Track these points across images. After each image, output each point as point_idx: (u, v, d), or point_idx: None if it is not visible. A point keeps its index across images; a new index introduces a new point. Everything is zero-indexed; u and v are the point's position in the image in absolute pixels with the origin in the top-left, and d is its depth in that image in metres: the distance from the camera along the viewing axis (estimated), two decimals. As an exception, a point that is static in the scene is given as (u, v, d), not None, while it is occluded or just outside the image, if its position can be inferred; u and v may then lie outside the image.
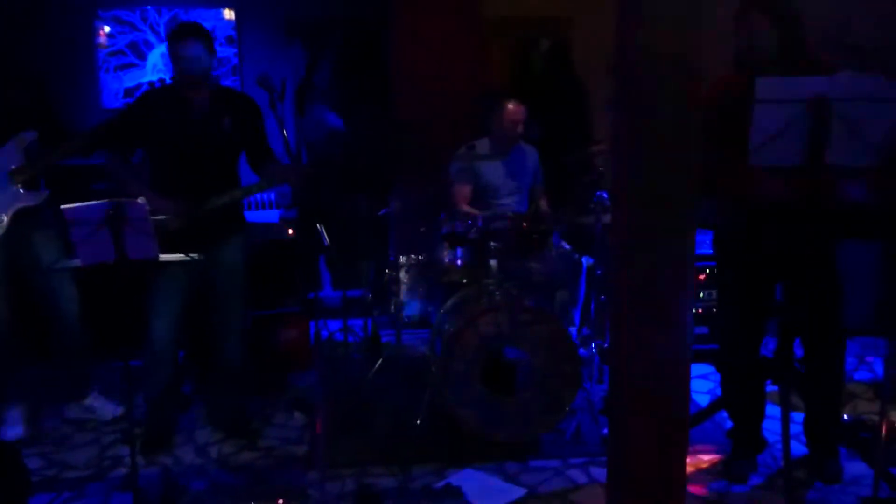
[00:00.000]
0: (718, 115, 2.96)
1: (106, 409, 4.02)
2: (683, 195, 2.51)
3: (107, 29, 5.81)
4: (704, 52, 2.41)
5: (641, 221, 2.52)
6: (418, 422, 3.79)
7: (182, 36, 3.42)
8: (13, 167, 3.63)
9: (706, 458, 3.52)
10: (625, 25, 2.49)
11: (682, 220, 2.53)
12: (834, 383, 3.30)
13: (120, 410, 4.01)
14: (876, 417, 3.47)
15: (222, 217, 3.56)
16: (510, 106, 4.51)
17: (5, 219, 3.62)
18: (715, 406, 3.69)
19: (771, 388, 3.41)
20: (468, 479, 3.35)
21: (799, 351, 3.19)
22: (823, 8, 2.98)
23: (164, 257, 2.86)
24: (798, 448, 3.56)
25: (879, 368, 4.56)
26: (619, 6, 2.52)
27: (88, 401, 4.03)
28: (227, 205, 3.55)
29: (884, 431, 3.01)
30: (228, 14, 5.97)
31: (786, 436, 2.80)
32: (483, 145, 4.60)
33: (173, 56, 3.44)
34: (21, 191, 3.66)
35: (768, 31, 2.94)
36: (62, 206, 2.67)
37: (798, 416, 3.48)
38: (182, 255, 2.98)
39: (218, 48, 5.91)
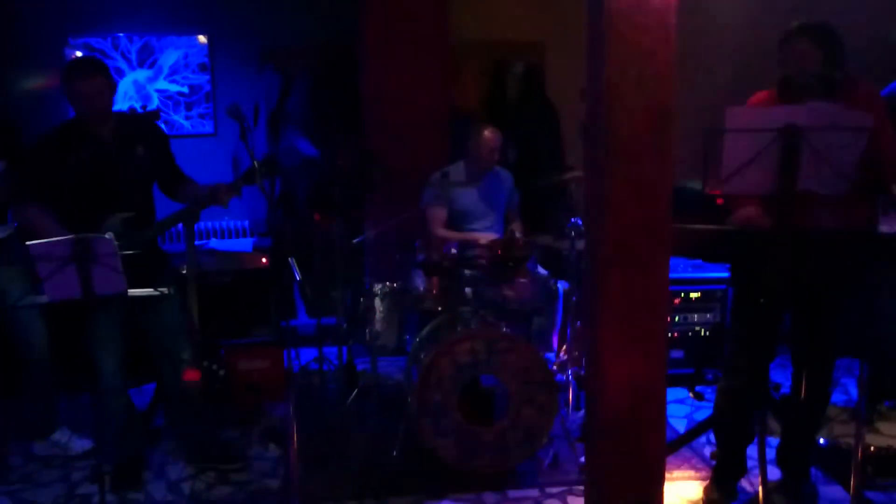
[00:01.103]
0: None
1: (74, 444, 3.94)
2: (658, 221, 2.51)
3: (78, 55, 5.76)
4: (679, 77, 2.43)
5: (616, 248, 2.53)
6: (394, 453, 3.74)
7: (82, 72, 3.33)
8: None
9: (685, 484, 3.51)
10: (594, 51, 2.51)
11: (656, 247, 2.54)
12: (821, 408, 3.29)
13: (89, 445, 3.92)
14: (851, 440, 3.48)
15: (148, 250, 3.48)
16: (486, 133, 4.52)
17: (-29, 252, 3.55)
18: (695, 431, 3.68)
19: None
20: (445, 511, 3.32)
21: (775, 376, 3.19)
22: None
23: (132, 292, 2.81)
24: (776, 473, 3.56)
25: (854, 391, 4.58)
26: (588, 33, 2.53)
27: (56, 436, 3.94)
28: (153, 237, 3.50)
29: (859, 454, 3.01)
30: (202, 40, 5.95)
31: (762, 461, 2.80)
32: (457, 170, 4.60)
33: (74, 93, 3.33)
34: (-13, 224, 3.60)
35: (814, 56, 2.93)
36: (28, 242, 2.62)
37: (772, 441, 3.48)
38: (151, 289, 2.93)
39: (191, 75, 5.93)
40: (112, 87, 3.43)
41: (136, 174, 3.52)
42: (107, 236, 2.65)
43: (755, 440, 3.40)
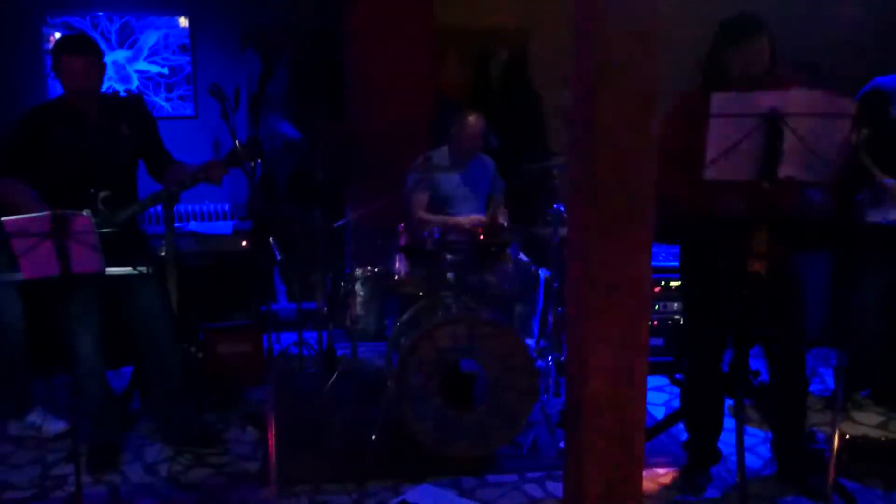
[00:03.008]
0: (682, 132, 2.97)
1: (49, 425, 3.89)
2: (640, 208, 2.51)
3: (57, 35, 5.67)
4: (662, 64, 2.42)
5: (597, 234, 2.52)
6: (374, 437, 3.73)
7: (71, 49, 3.32)
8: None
9: (662, 471, 3.53)
10: (581, 35, 2.50)
11: (639, 232, 2.53)
12: (800, 396, 3.31)
13: (64, 426, 3.88)
14: (828, 429, 3.52)
15: (128, 229, 3.46)
16: (470, 119, 4.50)
17: (-55, 230, 3.49)
18: (671, 419, 3.70)
19: (729, 402, 3.44)
20: (424, 495, 3.30)
21: (754, 364, 3.21)
22: (778, 25, 2.99)
23: (110, 271, 2.77)
24: (753, 461, 3.59)
25: (830, 380, 4.62)
26: (575, 17, 2.52)
27: (31, 417, 3.90)
28: (132, 216, 3.48)
29: (835, 443, 3.03)
30: (182, 22, 5.88)
31: (740, 448, 2.81)
32: (441, 155, 4.58)
33: (63, 70, 3.32)
34: (-38, 201, 3.53)
35: (768, 51, 2.96)
36: (2, 218, 2.57)
37: (752, 430, 3.50)
38: (129, 268, 2.90)
39: (171, 56, 5.86)
40: (101, 67, 3.42)
41: (120, 154, 3.50)
42: (84, 213, 2.61)
43: (725, 429, 3.45)
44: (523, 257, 4.35)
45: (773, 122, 2.48)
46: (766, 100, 2.51)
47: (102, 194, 3.32)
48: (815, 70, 2.94)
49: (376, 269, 4.19)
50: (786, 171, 2.54)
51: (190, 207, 5.71)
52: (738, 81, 2.95)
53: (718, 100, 2.55)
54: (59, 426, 3.90)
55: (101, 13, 5.74)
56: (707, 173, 2.60)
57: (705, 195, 2.96)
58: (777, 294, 3.04)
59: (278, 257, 2.96)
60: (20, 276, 2.67)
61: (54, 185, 3.37)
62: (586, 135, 2.50)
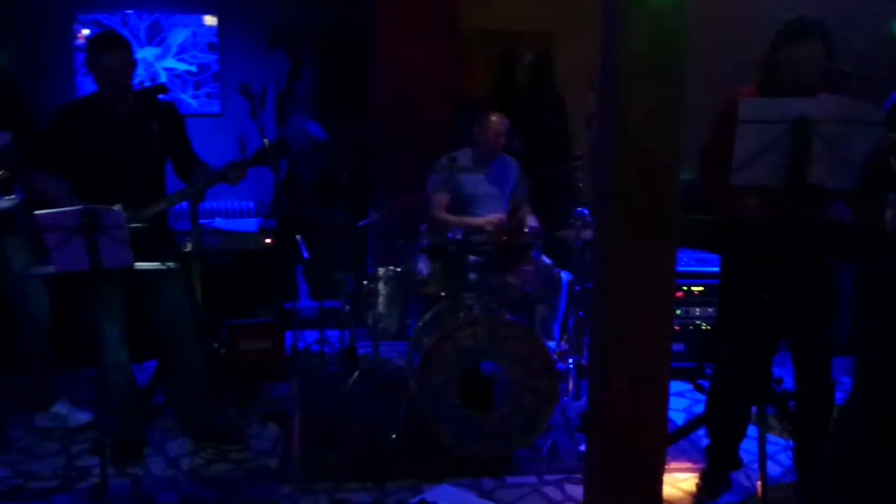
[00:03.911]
0: (723, 134, 2.93)
1: (74, 416, 3.95)
2: (666, 209, 2.50)
3: (85, 32, 5.74)
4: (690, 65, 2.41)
5: (623, 238, 2.52)
6: (394, 436, 3.75)
7: (104, 46, 3.36)
8: (-15, 170, 3.56)
9: (682, 476, 3.52)
10: (608, 35, 2.50)
11: (664, 235, 2.53)
12: (824, 405, 3.26)
13: (88, 418, 3.94)
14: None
15: (156, 226, 3.50)
16: (493, 118, 4.51)
17: (-23, 222, 3.55)
18: (693, 424, 3.68)
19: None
20: (443, 495, 3.32)
21: (778, 371, 3.18)
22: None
23: (139, 266, 2.81)
24: (773, 469, 3.57)
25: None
26: (603, 17, 2.52)
27: (56, 408, 3.95)
28: (160, 213, 3.52)
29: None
30: (210, 20, 5.93)
31: (762, 456, 2.80)
32: (464, 156, 4.59)
33: (96, 67, 3.37)
34: (-7, 194, 3.59)
35: (824, 58, 2.85)
36: (36, 212, 2.61)
37: (773, 438, 3.48)
38: (158, 263, 2.93)
39: (199, 54, 5.92)
40: (133, 64, 3.46)
41: (150, 151, 3.55)
42: (115, 208, 2.64)
43: (746, 437, 3.43)
44: (546, 259, 4.35)
45: (800, 129, 2.48)
46: (794, 106, 2.50)
47: (131, 190, 3.36)
48: (844, 77, 2.90)
49: (399, 269, 4.21)
50: (812, 177, 2.53)
51: (215, 204, 5.77)
52: (790, 87, 2.82)
53: (745, 105, 2.55)
54: (83, 418, 3.95)
55: (130, 11, 5.81)
56: (733, 179, 2.60)
57: (733, 199, 2.94)
58: (803, 301, 3.03)
59: (306, 255, 2.97)
60: (51, 269, 2.71)
61: (85, 180, 3.41)
62: (612, 135, 2.50)
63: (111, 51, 3.35)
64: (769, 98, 2.62)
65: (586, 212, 4.14)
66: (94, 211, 2.60)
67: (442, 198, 4.54)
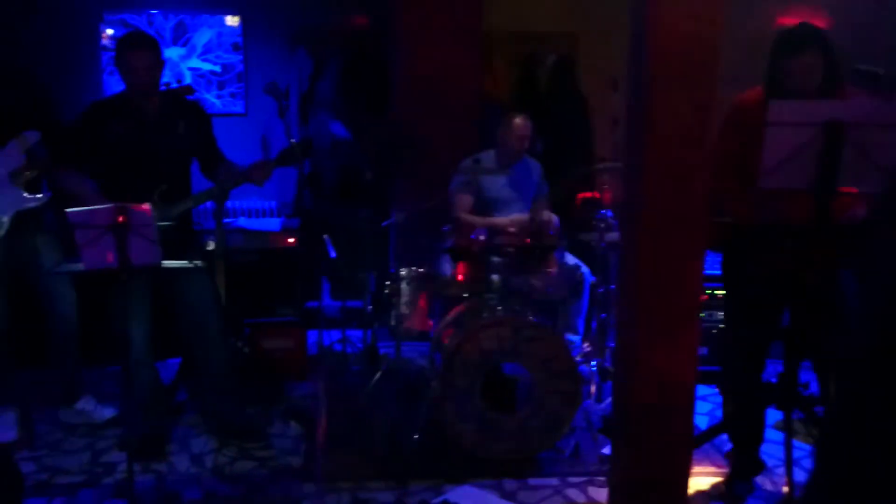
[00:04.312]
0: (734, 139, 2.94)
1: (99, 412, 3.98)
2: (695, 213, 2.50)
3: (109, 31, 5.80)
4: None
5: (651, 239, 2.51)
6: (416, 436, 3.75)
7: (134, 46, 3.41)
8: (14, 168, 3.60)
9: (705, 480, 3.50)
10: (637, 38, 2.49)
11: (692, 238, 2.52)
12: None
13: (113, 413, 3.97)
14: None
15: (181, 224, 3.53)
16: (517, 121, 4.51)
17: (6, 220, 3.59)
18: (717, 428, 3.66)
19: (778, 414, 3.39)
20: (466, 496, 3.32)
21: (805, 376, 3.16)
22: (840, 35, 2.94)
23: (166, 264, 2.83)
24: (797, 474, 3.54)
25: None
26: (631, 20, 2.51)
27: (81, 404, 3.99)
28: (185, 212, 3.56)
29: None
30: (234, 20, 5.97)
31: (788, 461, 2.78)
32: (488, 158, 4.59)
33: (125, 66, 3.41)
34: (22, 193, 3.63)
35: (822, 65, 2.87)
36: (67, 210, 2.64)
37: (797, 443, 3.44)
38: (185, 261, 2.95)
39: (224, 54, 5.95)
40: (161, 64, 3.51)
41: (176, 151, 3.59)
42: (145, 206, 2.66)
43: (769, 441, 3.41)
44: (570, 259, 4.34)
45: (832, 132, 2.46)
46: (826, 108, 2.49)
47: (159, 188, 3.39)
48: (876, 79, 2.88)
49: (421, 269, 4.22)
50: (843, 181, 2.51)
51: (238, 204, 5.80)
52: (791, 94, 2.86)
53: (776, 108, 2.53)
54: (108, 413, 3.99)
55: (156, 11, 5.85)
56: (762, 182, 2.58)
57: (755, 203, 2.92)
58: (828, 305, 3.00)
59: (333, 255, 2.99)
60: (80, 266, 2.74)
61: (112, 179, 3.46)
62: (641, 139, 2.50)
63: (140, 50, 3.39)
64: (799, 101, 2.59)
65: (610, 214, 4.12)
66: (125, 209, 2.62)
67: (465, 199, 4.54)
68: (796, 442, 3.62)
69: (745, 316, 3.24)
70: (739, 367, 3.33)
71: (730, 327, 3.44)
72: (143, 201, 3.25)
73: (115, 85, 5.78)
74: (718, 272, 4.54)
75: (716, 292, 4.59)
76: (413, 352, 4.94)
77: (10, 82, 3.67)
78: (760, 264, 3.11)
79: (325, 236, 3.02)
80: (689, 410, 2.67)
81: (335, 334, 4.88)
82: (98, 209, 2.64)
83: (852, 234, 3.07)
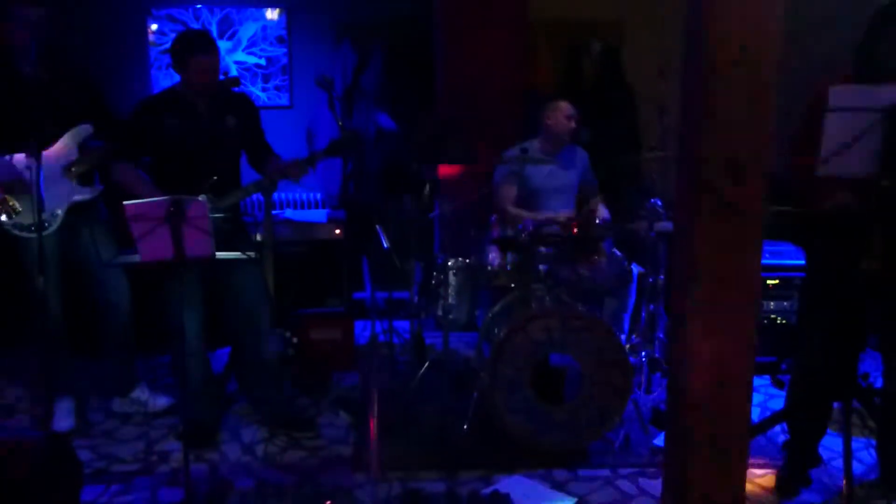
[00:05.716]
0: (812, 124, 2.84)
1: (154, 401, 4.05)
2: (752, 201, 2.44)
3: (154, 27, 5.87)
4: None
5: (707, 228, 2.47)
6: (465, 426, 3.76)
7: (205, 47, 3.50)
8: (68, 161, 3.66)
9: (759, 472, 3.45)
10: (693, 22, 2.44)
11: (749, 227, 2.47)
12: None
13: (167, 402, 4.03)
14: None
15: (230, 216, 3.59)
16: (562, 105, 4.47)
17: (60, 213, 3.65)
18: (772, 420, 3.60)
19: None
20: (516, 486, 3.31)
21: (865, 365, 3.09)
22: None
23: (220, 255, 2.86)
24: (855, 467, 3.47)
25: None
26: (688, 3, 2.46)
27: (136, 393, 4.05)
28: (235, 204, 3.62)
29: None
30: (279, 14, 6.00)
31: (847, 454, 2.73)
32: (533, 147, 4.56)
33: (191, 64, 3.48)
34: (76, 185, 3.69)
35: None
36: (124, 203, 2.68)
37: (854, 436, 3.37)
38: (238, 253, 2.98)
39: (268, 48, 6.00)
40: (220, 63, 3.61)
41: (227, 143, 3.65)
42: (200, 198, 2.69)
43: (826, 434, 3.34)
44: (617, 252, 4.29)
45: (895, 117, 2.39)
46: (888, 93, 2.42)
47: (210, 181, 3.43)
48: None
49: (468, 260, 4.21)
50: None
51: (285, 195, 5.84)
52: (891, 74, 2.70)
53: (836, 93, 2.47)
54: (162, 402, 4.05)
55: (202, 6, 5.91)
56: (821, 169, 2.52)
57: (820, 189, 2.86)
58: (892, 295, 2.93)
59: (385, 245, 2.99)
60: (136, 258, 2.78)
61: (165, 172, 3.52)
62: (697, 125, 2.45)
63: (210, 53, 3.49)
64: (860, 85, 2.52)
65: (659, 203, 4.07)
66: (180, 201, 2.66)
67: (510, 190, 4.51)
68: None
69: (819, 306, 3.14)
70: (811, 357, 3.24)
71: (810, 318, 3.33)
72: (195, 194, 3.31)
73: (163, 79, 5.86)
74: (770, 261, 4.51)
75: (768, 282, 4.52)
76: (458, 342, 4.95)
77: (64, 77, 3.72)
78: (831, 253, 3.01)
79: (377, 226, 3.02)
80: (746, 402, 2.62)
81: (382, 325, 4.90)
82: (154, 202, 2.67)
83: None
